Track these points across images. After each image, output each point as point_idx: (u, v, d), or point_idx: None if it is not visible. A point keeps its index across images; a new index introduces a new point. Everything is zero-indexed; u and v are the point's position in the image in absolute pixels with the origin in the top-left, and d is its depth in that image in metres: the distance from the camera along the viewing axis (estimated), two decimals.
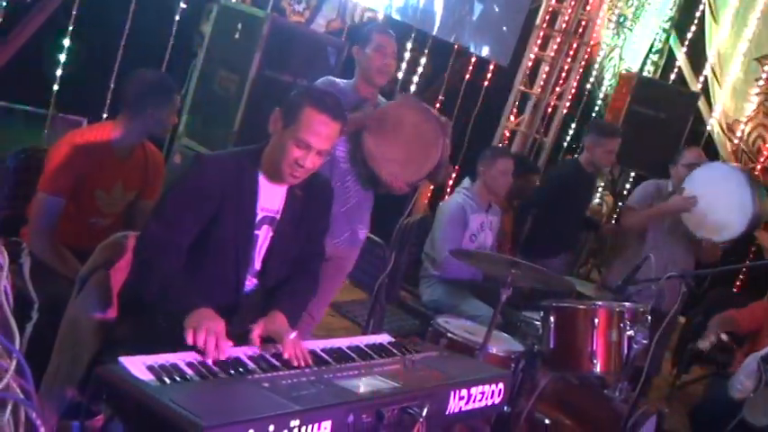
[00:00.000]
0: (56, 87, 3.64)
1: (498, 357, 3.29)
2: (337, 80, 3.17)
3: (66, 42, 3.60)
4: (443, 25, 5.09)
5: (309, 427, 1.55)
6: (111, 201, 2.73)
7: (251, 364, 1.82)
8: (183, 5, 4.06)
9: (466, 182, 4.08)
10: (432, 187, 5.69)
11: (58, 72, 3.63)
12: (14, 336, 1.30)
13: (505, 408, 3.33)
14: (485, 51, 5.40)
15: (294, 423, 1.52)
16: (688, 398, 4.94)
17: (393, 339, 2.29)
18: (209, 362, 1.76)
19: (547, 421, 3.24)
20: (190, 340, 1.79)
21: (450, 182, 6.00)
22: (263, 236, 2.20)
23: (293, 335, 1.93)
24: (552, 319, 3.24)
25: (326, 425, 1.59)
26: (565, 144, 7.31)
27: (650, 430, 3.35)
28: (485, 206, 4.01)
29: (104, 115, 3.83)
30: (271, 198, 2.19)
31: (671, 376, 5.37)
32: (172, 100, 2.74)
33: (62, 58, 3.61)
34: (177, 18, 4.05)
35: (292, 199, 2.22)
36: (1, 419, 1.03)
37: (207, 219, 2.08)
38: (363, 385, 1.79)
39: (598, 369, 3.17)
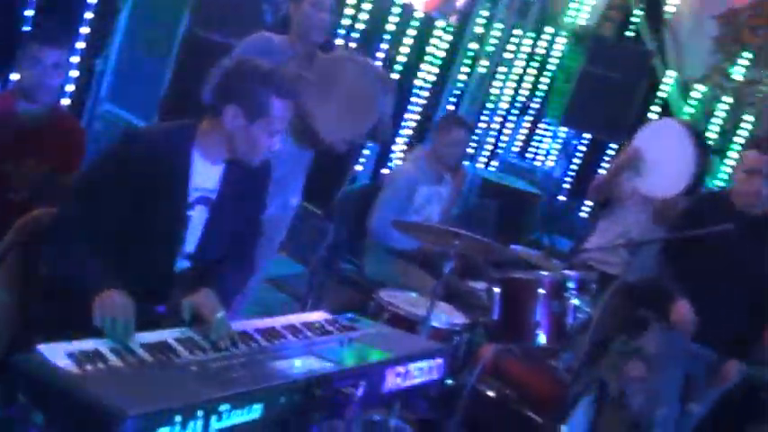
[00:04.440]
0: None
1: (441, 331, 3.41)
2: (273, 36, 3.18)
3: None
4: None
5: (240, 411, 1.61)
6: (23, 174, 2.71)
7: (179, 347, 1.86)
8: None
9: (418, 149, 4.12)
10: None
11: None
12: None
13: (449, 381, 3.48)
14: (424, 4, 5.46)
15: (224, 407, 1.58)
16: None
17: (330, 317, 2.36)
18: (135, 346, 1.80)
19: (491, 393, 3.38)
20: (98, 323, 1.82)
21: (396, 148, 6.07)
22: (198, 216, 2.22)
23: (221, 314, 1.97)
24: (497, 290, 3.36)
25: (258, 407, 1.66)
26: (517, 104, 7.45)
27: (594, 396, 3.53)
28: (436, 177, 4.05)
29: None
30: (206, 177, 2.21)
31: None
32: (42, 53, 2.61)
33: None
34: None
35: (229, 177, 2.24)
36: None
37: (134, 199, 2.08)
38: (296, 366, 1.86)
39: (541, 340, 3.32)
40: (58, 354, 1.66)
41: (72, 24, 3.83)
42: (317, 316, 2.35)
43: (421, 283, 3.84)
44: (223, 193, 2.23)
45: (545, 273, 3.42)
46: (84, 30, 3.90)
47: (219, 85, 2.16)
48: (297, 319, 2.28)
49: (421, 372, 2.14)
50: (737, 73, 7.05)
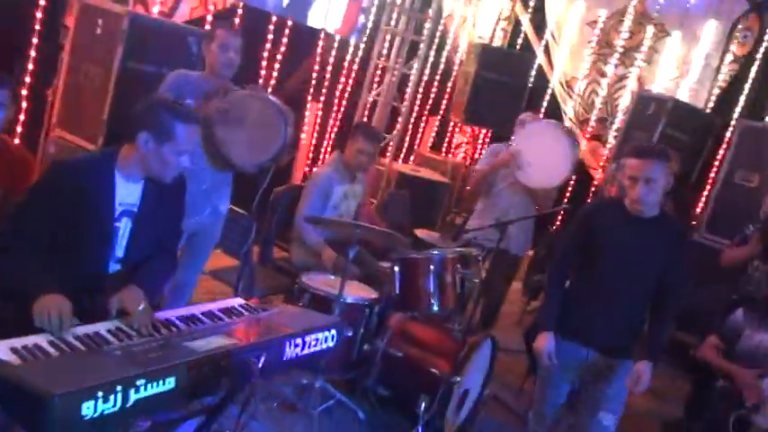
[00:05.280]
0: None
1: (354, 305, 3.59)
2: (189, 72, 3.29)
3: None
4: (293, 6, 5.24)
5: (154, 383, 1.75)
6: None
7: (109, 336, 1.99)
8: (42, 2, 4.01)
9: (335, 154, 4.27)
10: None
11: None
12: None
13: (366, 346, 3.67)
14: (336, 29, 5.61)
15: (140, 382, 1.71)
16: None
17: (244, 302, 2.50)
18: (70, 338, 1.92)
19: (399, 354, 3.58)
20: (37, 323, 1.93)
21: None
22: (124, 227, 2.34)
23: (142, 306, 2.10)
24: (397, 268, 3.55)
25: (171, 380, 1.79)
26: (427, 108, 7.64)
27: (487, 351, 3.76)
28: (350, 177, 4.21)
29: None
30: (128, 193, 2.33)
31: (522, 303, 5.91)
32: None
33: None
34: (39, 15, 3.99)
35: (148, 192, 2.37)
36: None
37: (66, 217, 2.19)
38: (207, 344, 1.99)
39: (436, 308, 3.52)
40: (3, 349, 1.77)
41: (15, 63, 3.87)
42: (233, 302, 2.49)
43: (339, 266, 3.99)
44: (143, 206, 2.36)
45: (435, 251, 3.61)
46: (31, 66, 3.95)
47: (133, 116, 2.28)
48: (216, 305, 2.42)
49: (317, 341, 2.29)
50: (609, 71, 7.41)
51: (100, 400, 1.62)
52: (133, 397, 1.70)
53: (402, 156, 7.36)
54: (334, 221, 3.57)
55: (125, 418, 1.70)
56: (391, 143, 6.45)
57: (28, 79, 3.97)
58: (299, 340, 2.22)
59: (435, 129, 7.84)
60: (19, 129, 3.97)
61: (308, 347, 2.26)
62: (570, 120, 7.64)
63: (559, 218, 7.19)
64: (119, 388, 1.67)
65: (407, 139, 7.43)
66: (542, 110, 7.64)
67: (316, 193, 3.98)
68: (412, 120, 7.12)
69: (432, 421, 3.40)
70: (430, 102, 7.52)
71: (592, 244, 2.90)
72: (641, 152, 2.79)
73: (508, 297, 5.08)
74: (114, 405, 1.66)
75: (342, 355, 3.65)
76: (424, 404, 3.40)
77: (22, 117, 4.00)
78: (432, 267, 3.46)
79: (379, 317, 3.77)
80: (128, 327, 2.08)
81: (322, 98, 6.13)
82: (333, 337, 2.37)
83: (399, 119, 6.45)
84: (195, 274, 3.47)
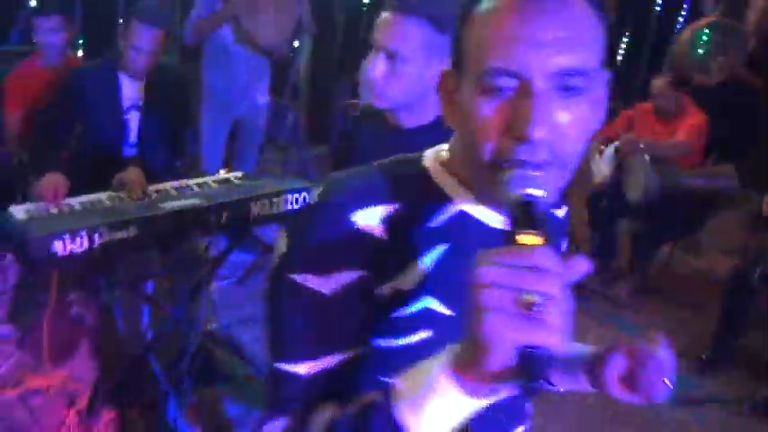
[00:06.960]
0: None
1: None
2: None
3: None
4: None
5: (117, 231, 2.11)
6: None
7: (105, 200, 2.38)
8: None
9: None
10: None
11: None
12: None
13: None
14: None
15: (102, 228, 2.08)
16: None
17: (240, 174, 2.76)
18: (72, 203, 2.33)
19: None
20: (36, 191, 2.35)
21: None
22: (134, 118, 2.74)
23: (135, 177, 2.45)
24: None
25: (133, 228, 2.15)
26: None
27: None
28: None
29: None
30: (132, 90, 2.72)
31: None
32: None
33: None
34: None
35: (150, 89, 2.73)
36: None
37: (80, 114, 2.64)
38: (175, 203, 2.32)
39: None
40: (19, 210, 2.24)
41: None
42: (232, 175, 2.77)
43: None
44: (147, 99, 2.73)
45: None
46: None
47: None
48: (213, 178, 2.73)
49: (286, 202, 2.54)
50: None
51: (68, 241, 2.03)
52: (97, 241, 2.09)
53: None
54: None
55: (93, 258, 2.10)
56: None
57: None
58: (265, 201, 2.48)
59: None
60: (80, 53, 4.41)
61: (276, 208, 2.52)
62: None
63: None
64: (83, 233, 2.06)
65: None
66: None
67: None
68: None
69: None
70: None
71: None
72: (392, 6, 1.45)
73: None
74: (81, 246, 2.06)
75: None
76: None
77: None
78: None
79: None
80: (125, 194, 2.46)
81: None
82: (304, 198, 2.60)
83: None
84: (247, 163, 3.81)
